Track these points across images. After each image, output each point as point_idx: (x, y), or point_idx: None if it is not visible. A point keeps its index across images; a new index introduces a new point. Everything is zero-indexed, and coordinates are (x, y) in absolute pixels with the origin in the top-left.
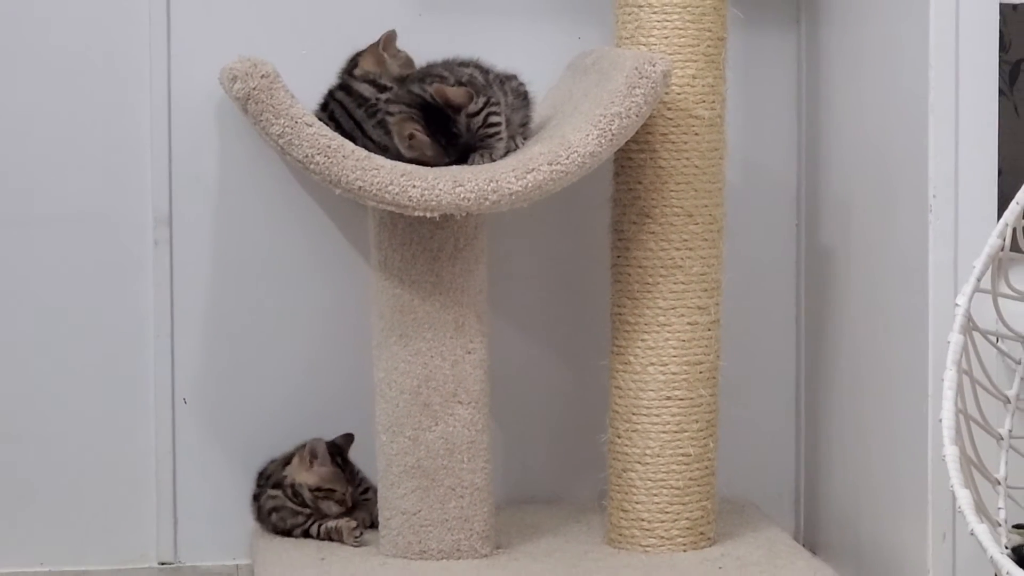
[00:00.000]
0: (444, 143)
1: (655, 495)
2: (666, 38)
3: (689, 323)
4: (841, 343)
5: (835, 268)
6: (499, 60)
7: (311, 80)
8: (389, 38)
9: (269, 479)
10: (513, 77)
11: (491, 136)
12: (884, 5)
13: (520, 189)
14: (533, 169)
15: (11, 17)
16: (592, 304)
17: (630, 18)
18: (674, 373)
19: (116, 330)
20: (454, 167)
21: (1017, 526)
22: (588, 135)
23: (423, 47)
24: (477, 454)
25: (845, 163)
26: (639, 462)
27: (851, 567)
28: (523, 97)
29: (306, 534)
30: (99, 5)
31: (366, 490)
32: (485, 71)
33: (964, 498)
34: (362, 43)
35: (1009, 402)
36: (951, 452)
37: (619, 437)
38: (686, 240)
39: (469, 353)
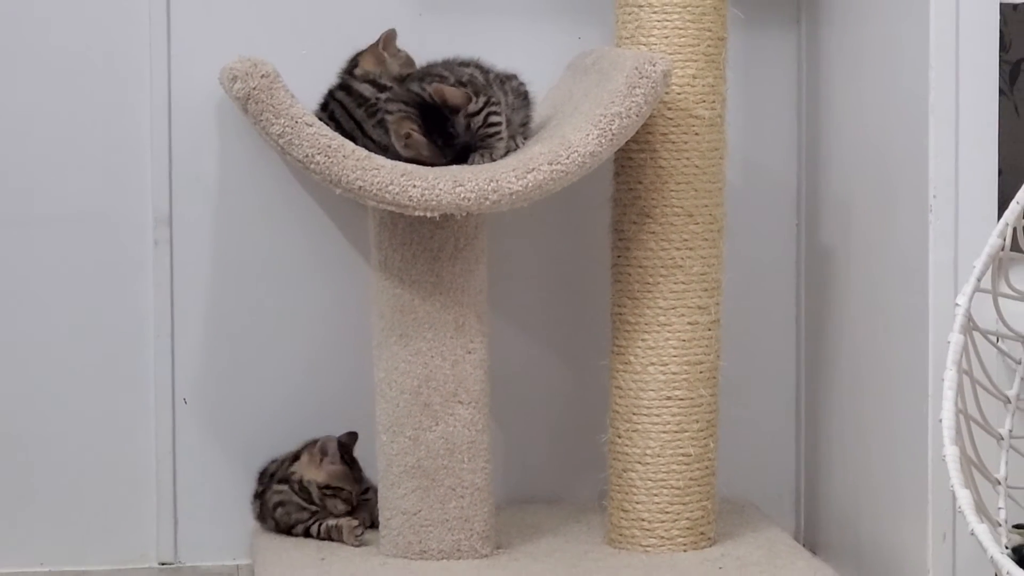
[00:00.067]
0: (441, 143)
1: (655, 495)
2: (666, 38)
3: (689, 323)
4: (841, 343)
5: (835, 268)
6: (499, 60)
7: (311, 80)
8: (389, 37)
9: (273, 476)
10: (513, 77)
11: (491, 136)
12: (884, 5)
13: (520, 189)
14: (533, 169)
15: (11, 17)
16: (592, 304)
17: (630, 18)
18: (674, 373)
19: (116, 330)
20: (454, 167)
21: (1017, 526)
22: (588, 135)
23: (423, 47)
24: (477, 454)
25: (845, 163)
26: (639, 462)
27: (851, 567)
28: (523, 97)
29: (307, 532)
30: (99, 5)
31: (366, 490)
32: (485, 71)
33: (964, 498)
34: (362, 43)
35: (1009, 402)
36: (951, 452)
37: (619, 437)
38: (686, 240)
39: (469, 353)
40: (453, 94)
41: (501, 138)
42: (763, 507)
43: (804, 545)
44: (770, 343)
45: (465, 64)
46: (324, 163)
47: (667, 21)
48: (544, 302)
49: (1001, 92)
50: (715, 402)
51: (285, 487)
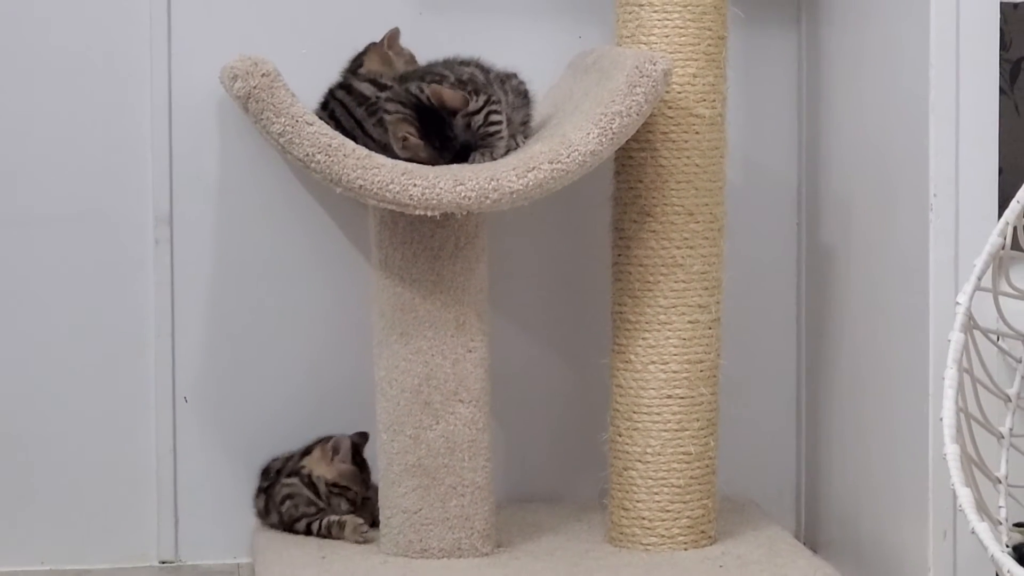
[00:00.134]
0: (439, 145)
1: (656, 493)
2: (667, 37)
3: (690, 321)
4: (842, 341)
5: (836, 267)
6: (500, 59)
7: (312, 79)
8: (393, 36)
9: (280, 471)
10: (513, 76)
11: (492, 135)
12: (885, 4)
13: (521, 188)
14: (534, 168)
15: (12, 17)
16: (593, 302)
17: (631, 17)
18: (675, 371)
19: (117, 329)
20: (455, 166)
21: (1018, 524)
22: (589, 133)
23: (424, 46)
24: (478, 452)
25: (846, 162)
26: (640, 460)
27: (852, 565)
28: (524, 96)
29: (308, 528)
30: (100, 4)
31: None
32: (486, 70)
33: (965, 496)
34: (363, 42)
35: (1010, 400)
36: (952, 450)
37: (620, 435)
38: (687, 238)
39: (470, 352)
40: (451, 96)
41: (502, 137)
42: (764, 505)
43: (805, 543)
44: (771, 342)
45: (465, 63)
46: (325, 162)
47: (668, 20)
48: (545, 301)
49: (1001, 91)
50: (716, 400)
51: (295, 480)
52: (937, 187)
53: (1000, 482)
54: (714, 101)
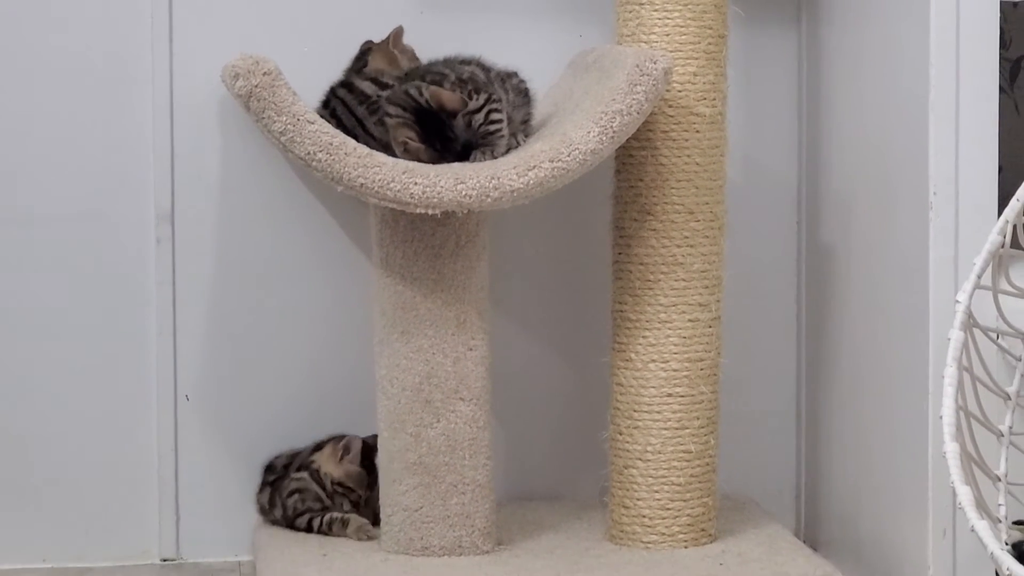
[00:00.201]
0: (440, 147)
1: (656, 492)
2: (667, 35)
3: (690, 320)
4: (842, 340)
5: (836, 265)
6: (500, 58)
7: (313, 77)
8: (398, 34)
9: (288, 466)
10: (514, 75)
11: (492, 134)
12: (885, 3)
13: (522, 186)
14: (535, 166)
15: (14, 16)
16: (593, 301)
17: (631, 16)
18: (675, 370)
19: (118, 327)
20: (456, 164)
21: (1017, 522)
22: (589, 132)
23: (425, 45)
24: (479, 451)
25: (846, 161)
26: (640, 459)
27: (852, 563)
28: (524, 94)
29: (309, 525)
30: (101, 4)
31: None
32: (486, 69)
33: (964, 494)
34: (363, 41)
35: (1009, 399)
36: (951, 449)
37: (620, 434)
38: (687, 237)
39: (471, 350)
40: (449, 98)
41: (502, 136)
42: (764, 503)
43: (805, 541)
44: (771, 340)
45: (466, 62)
46: (326, 161)
47: (668, 19)
48: (545, 299)
49: (1001, 90)
50: (716, 399)
51: (304, 474)
52: (937, 186)
53: (1000, 480)
54: (714, 100)
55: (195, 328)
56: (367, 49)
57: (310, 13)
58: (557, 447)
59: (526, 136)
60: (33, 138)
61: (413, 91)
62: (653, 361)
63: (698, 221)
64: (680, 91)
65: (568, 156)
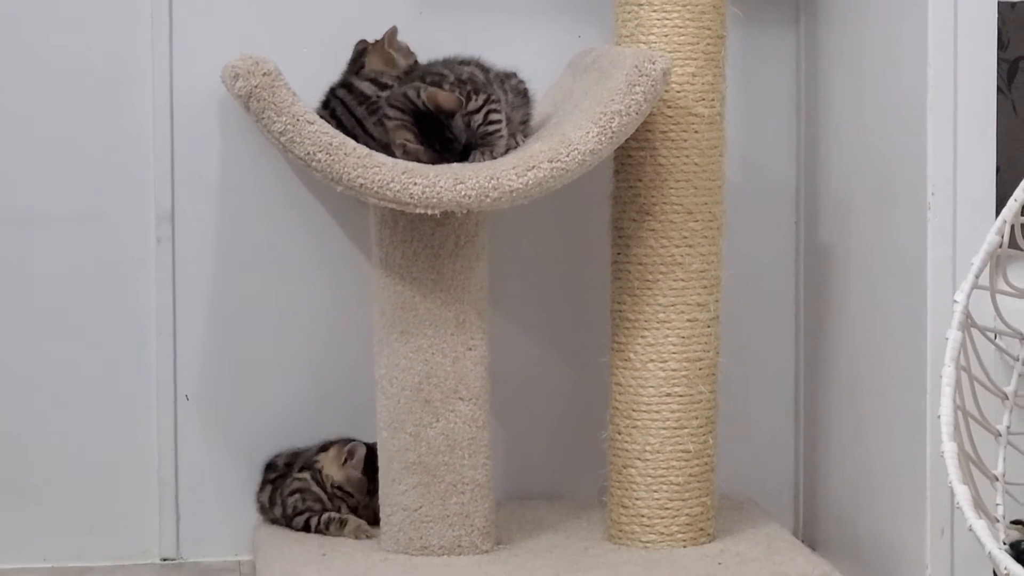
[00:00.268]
0: (439, 148)
1: (655, 491)
2: (666, 36)
3: (689, 320)
4: (840, 340)
5: (834, 265)
6: (500, 58)
7: (313, 78)
8: (392, 34)
9: (291, 465)
10: (513, 75)
11: (492, 134)
12: (883, 4)
13: (521, 186)
14: (534, 167)
15: (15, 17)
16: (592, 301)
17: (630, 16)
18: (674, 370)
19: (118, 327)
20: (455, 164)
21: (1015, 522)
22: (588, 133)
23: (424, 46)
24: (478, 450)
25: (844, 161)
26: (639, 458)
27: (850, 563)
28: (523, 95)
29: (307, 524)
30: (101, 4)
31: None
32: (485, 69)
33: (962, 494)
34: (358, 41)
35: (1007, 398)
36: (949, 448)
37: (619, 433)
38: (686, 237)
39: (470, 350)
40: (446, 99)
41: (501, 136)
42: (762, 503)
43: (803, 541)
44: (769, 340)
45: (465, 62)
46: (325, 161)
47: (667, 19)
48: (544, 299)
49: (999, 90)
50: (714, 399)
51: (306, 475)
52: (935, 186)
53: (997, 480)
54: (713, 100)
55: (195, 328)
56: (363, 49)
57: (310, 14)
58: (556, 447)
59: (525, 136)
60: (33, 138)
61: (411, 93)
62: (652, 361)
63: (697, 221)
64: (679, 92)
65: (567, 156)
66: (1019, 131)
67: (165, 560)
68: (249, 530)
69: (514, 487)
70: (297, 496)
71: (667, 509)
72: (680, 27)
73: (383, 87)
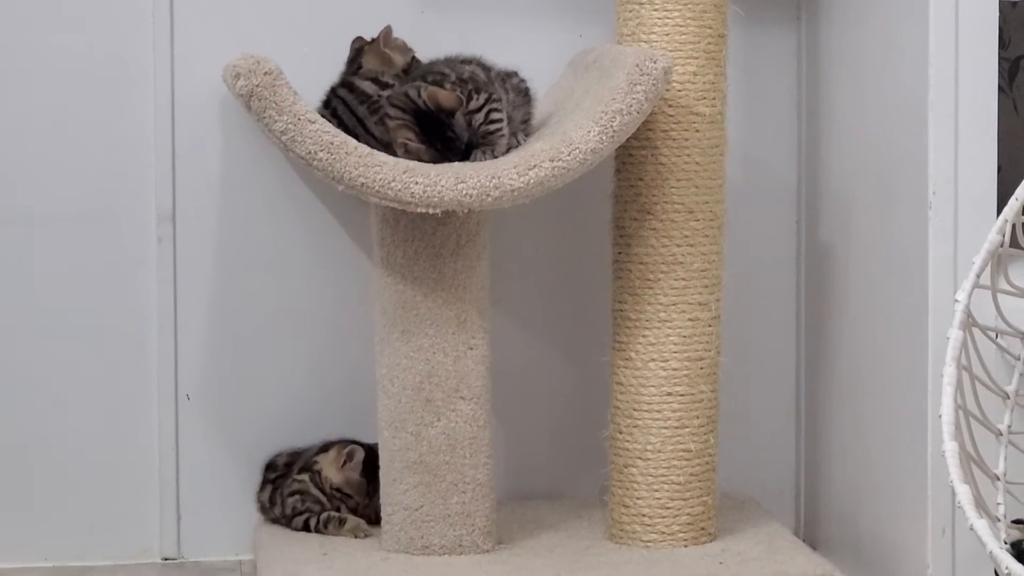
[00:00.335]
0: (441, 147)
1: (656, 491)
2: (667, 35)
3: (690, 319)
4: (841, 339)
5: (835, 264)
6: (501, 58)
7: (314, 77)
8: (387, 34)
9: (291, 465)
10: (514, 74)
11: (493, 133)
12: (884, 3)
13: (522, 186)
14: (535, 166)
15: (16, 16)
16: (593, 300)
17: (631, 15)
18: (675, 369)
19: (119, 327)
20: (456, 163)
21: (1016, 521)
22: (590, 132)
23: (425, 45)
24: (479, 450)
25: (845, 160)
26: (640, 458)
27: (851, 562)
28: (524, 94)
29: (306, 525)
30: (103, 4)
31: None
32: (487, 68)
33: (964, 493)
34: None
35: (1008, 398)
36: (951, 448)
37: (620, 433)
38: (687, 236)
39: (471, 349)
40: (446, 98)
41: (503, 135)
42: (763, 502)
43: (804, 540)
44: (770, 339)
45: (467, 61)
46: (327, 160)
47: (668, 18)
48: (545, 298)
49: (1000, 89)
50: (715, 398)
51: (306, 476)
52: (936, 185)
53: (998, 479)
54: (714, 99)
55: (196, 327)
56: (360, 48)
57: (311, 13)
58: (557, 446)
59: (526, 135)
60: (35, 137)
61: (412, 92)
62: (653, 360)
63: (698, 220)
64: (680, 90)
65: (568, 155)
66: (1020, 130)
67: (166, 560)
68: (250, 529)
69: (515, 486)
70: (297, 497)
71: (668, 508)
72: (681, 26)
73: (384, 86)
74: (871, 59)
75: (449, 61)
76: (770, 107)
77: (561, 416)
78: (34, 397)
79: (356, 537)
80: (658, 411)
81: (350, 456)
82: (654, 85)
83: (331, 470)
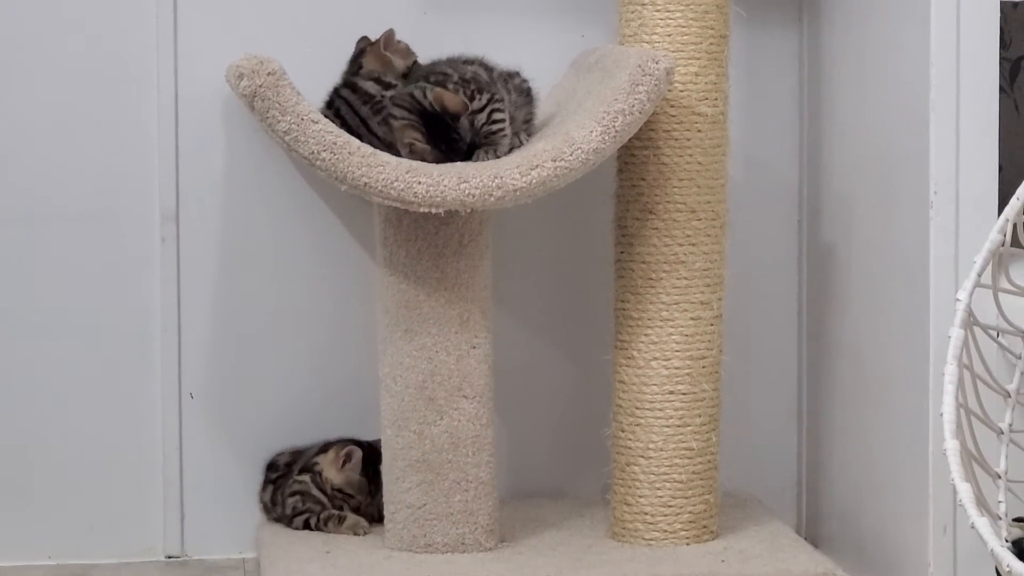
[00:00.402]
0: (445, 148)
1: (658, 489)
2: (669, 36)
3: (692, 318)
4: (843, 338)
5: (837, 264)
6: (503, 58)
7: (317, 77)
8: (389, 37)
9: (292, 465)
10: (516, 74)
11: (495, 133)
12: (886, 3)
13: (525, 185)
14: (537, 165)
15: (20, 17)
16: (596, 299)
17: (633, 16)
18: (677, 368)
19: (123, 326)
20: (459, 163)
21: (1017, 519)
22: (592, 132)
23: (427, 45)
24: (482, 448)
25: (847, 160)
26: (642, 456)
27: (853, 560)
28: (526, 94)
29: (306, 524)
30: (107, 4)
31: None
32: (489, 68)
33: (965, 492)
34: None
35: (1009, 396)
36: (952, 446)
37: (623, 431)
38: (689, 236)
39: (474, 348)
40: (452, 101)
41: (505, 135)
42: (765, 501)
43: (806, 538)
44: (772, 338)
45: (469, 62)
46: (330, 160)
47: (670, 19)
48: (548, 298)
49: (1001, 89)
50: (717, 396)
51: (306, 477)
52: (937, 185)
53: (1000, 477)
54: (716, 99)
55: (199, 326)
56: (362, 49)
57: (314, 13)
58: (559, 444)
59: (529, 135)
60: (38, 137)
61: (417, 93)
62: (655, 359)
63: (700, 220)
64: (682, 91)
65: (571, 155)
66: (1021, 130)
67: (169, 558)
68: (253, 528)
69: (517, 485)
70: (297, 498)
71: (670, 506)
72: (683, 27)
73: (387, 86)
74: (873, 59)
75: (451, 61)
76: (772, 107)
77: (563, 414)
78: (37, 396)
79: (356, 534)
80: (660, 409)
81: (348, 456)
82: (656, 85)
83: (331, 471)
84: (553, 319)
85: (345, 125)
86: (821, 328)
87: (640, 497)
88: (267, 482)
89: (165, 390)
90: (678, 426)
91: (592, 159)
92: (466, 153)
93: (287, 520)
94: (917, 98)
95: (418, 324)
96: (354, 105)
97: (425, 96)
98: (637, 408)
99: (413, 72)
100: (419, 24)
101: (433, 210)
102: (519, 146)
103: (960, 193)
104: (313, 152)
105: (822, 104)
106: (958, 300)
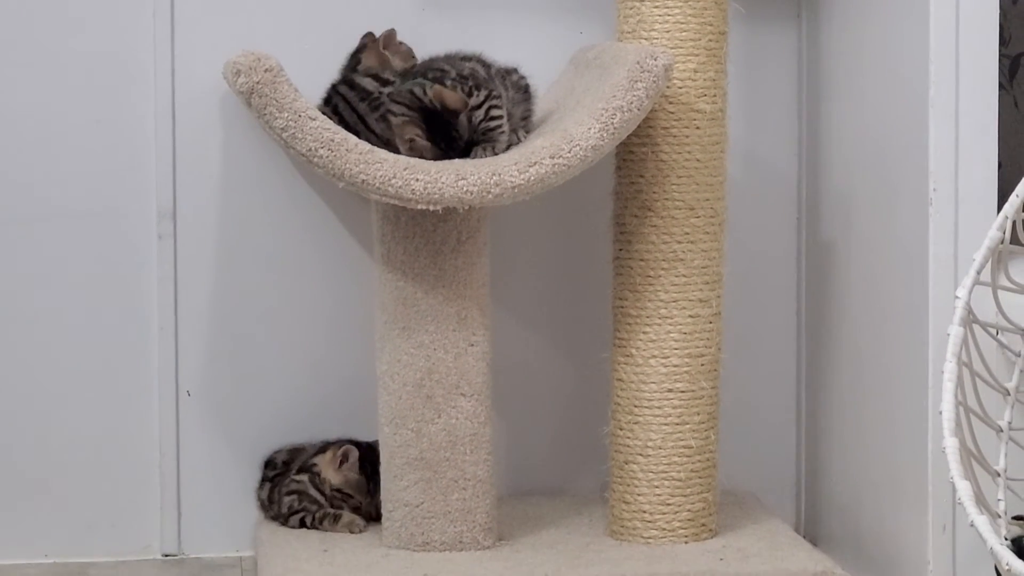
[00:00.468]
0: (444, 146)
1: (657, 487)
2: (667, 32)
3: (691, 316)
4: (842, 336)
5: (836, 261)
6: (501, 55)
7: (315, 74)
8: (389, 37)
9: (289, 464)
10: (514, 71)
11: (493, 130)
12: (885, 0)
13: (522, 182)
14: (535, 163)
15: (17, 14)
16: (594, 297)
17: (632, 12)
18: (676, 365)
19: (120, 324)
20: (457, 160)
21: (1017, 517)
22: (590, 129)
23: (426, 42)
24: (479, 446)
25: (846, 157)
26: (641, 454)
27: (852, 558)
28: (524, 91)
29: (302, 523)
30: (104, 1)
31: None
32: (487, 65)
33: (964, 489)
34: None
35: (1009, 394)
36: (951, 444)
37: (621, 429)
38: (687, 233)
39: (472, 346)
40: (452, 98)
41: (503, 132)
42: (764, 499)
43: (805, 536)
44: (771, 336)
45: (467, 58)
46: (327, 157)
47: (668, 15)
48: (546, 295)
49: (1000, 86)
50: (716, 394)
51: (304, 477)
52: (937, 182)
53: (999, 475)
54: (715, 96)
55: (197, 324)
56: (363, 45)
57: (311, 10)
58: (558, 442)
59: (527, 132)
60: (35, 135)
61: (417, 89)
62: (654, 357)
63: (698, 217)
64: (680, 88)
65: (569, 152)
66: (1021, 127)
67: (167, 556)
68: (251, 526)
69: (516, 483)
70: (294, 497)
71: (669, 505)
72: (682, 23)
73: (385, 83)
74: (871, 56)
75: (449, 58)
76: (771, 104)
77: (562, 412)
78: (34, 394)
79: (352, 532)
80: (659, 407)
81: (345, 456)
82: (655, 82)
83: (329, 471)
84: (551, 317)
85: (343, 122)
86: (820, 326)
87: (639, 495)
88: (264, 480)
89: (162, 388)
90: (677, 424)
91: (590, 156)
92: (464, 150)
93: (283, 518)
94: (916, 95)
95: (416, 321)
96: (352, 102)
97: (425, 93)
98: (635, 406)
99: (411, 69)
100: (417, 21)
101: (431, 207)
102: (517, 143)
103: (959, 190)
104: (310, 149)
105: (821, 101)
106: (957, 298)
